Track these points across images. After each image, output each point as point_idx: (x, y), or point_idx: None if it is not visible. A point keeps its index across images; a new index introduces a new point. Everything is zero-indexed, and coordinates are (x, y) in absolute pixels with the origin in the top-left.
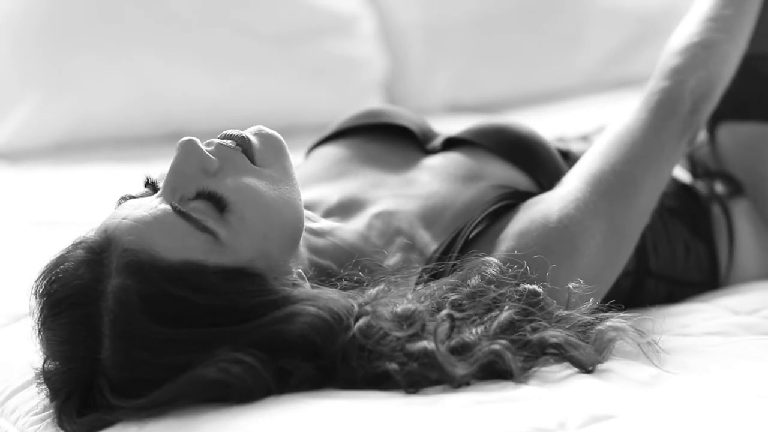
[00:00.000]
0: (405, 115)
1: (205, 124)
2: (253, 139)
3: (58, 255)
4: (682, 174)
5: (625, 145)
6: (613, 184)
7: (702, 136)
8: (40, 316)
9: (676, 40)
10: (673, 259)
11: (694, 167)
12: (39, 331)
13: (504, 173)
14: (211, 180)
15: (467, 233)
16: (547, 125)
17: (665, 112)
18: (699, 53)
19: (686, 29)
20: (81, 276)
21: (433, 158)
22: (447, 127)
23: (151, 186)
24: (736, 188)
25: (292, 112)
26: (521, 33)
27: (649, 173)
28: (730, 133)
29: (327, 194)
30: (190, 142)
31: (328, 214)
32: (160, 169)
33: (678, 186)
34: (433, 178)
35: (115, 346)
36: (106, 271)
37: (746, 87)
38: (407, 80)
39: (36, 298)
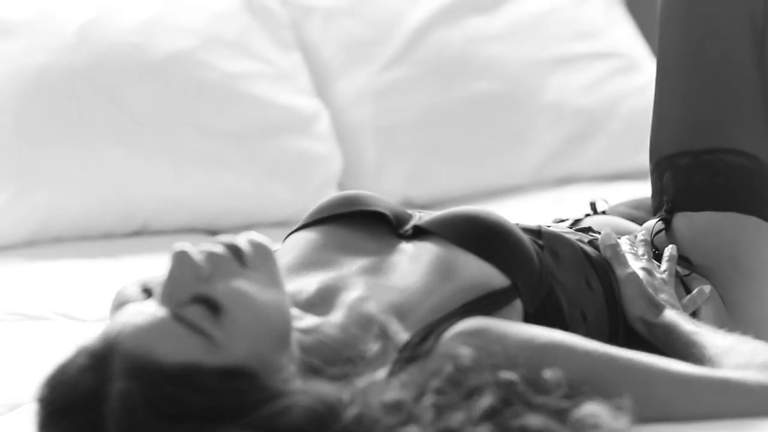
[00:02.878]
0: (379, 200)
1: (168, 221)
2: (243, 245)
3: (61, 363)
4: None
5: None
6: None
7: (653, 224)
8: (44, 422)
9: None
10: (636, 343)
11: (656, 251)
12: None
13: (474, 269)
14: (205, 285)
15: (441, 330)
16: None
17: None
18: None
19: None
20: (84, 382)
21: (406, 245)
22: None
23: (147, 293)
24: (692, 270)
25: (252, 208)
26: (468, 130)
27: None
28: (687, 221)
29: (305, 284)
30: (183, 252)
31: (308, 304)
32: (125, 267)
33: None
34: (407, 269)
35: None
36: (109, 377)
37: (701, 179)
38: (360, 178)
39: (39, 405)
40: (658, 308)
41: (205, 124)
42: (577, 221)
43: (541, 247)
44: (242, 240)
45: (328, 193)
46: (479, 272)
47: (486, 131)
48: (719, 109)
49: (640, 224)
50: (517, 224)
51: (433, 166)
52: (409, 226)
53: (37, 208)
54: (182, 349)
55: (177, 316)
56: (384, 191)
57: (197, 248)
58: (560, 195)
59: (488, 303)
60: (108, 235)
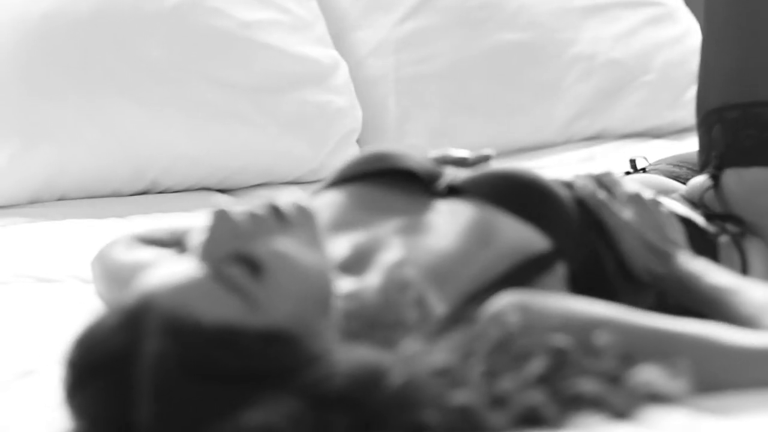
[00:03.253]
0: (409, 156)
1: (179, 178)
2: (286, 208)
3: (94, 320)
4: (699, 218)
5: None
6: None
7: (702, 181)
8: (72, 382)
9: None
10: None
11: (705, 210)
12: (70, 397)
13: (513, 232)
14: (246, 244)
15: (481, 303)
16: None
17: None
18: None
19: None
20: (115, 341)
21: (441, 204)
22: None
23: (184, 249)
24: (744, 229)
25: (267, 164)
26: (495, 82)
27: None
28: (737, 178)
29: (339, 247)
30: (223, 210)
31: (344, 267)
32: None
33: (696, 229)
34: (443, 231)
35: (155, 407)
36: (143, 335)
37: (750, 133)
38: (381, 133)
39: (70, 364)
40: (666, 256)
41: (218, 75)
42: None
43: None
44: (284, 201)
45: (347, 150)
46: (518, 235)
47: (514, 84)
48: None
49: (683, 182)
50: (555, 180)
51: (458, 121)
52: (442, 184)
53: (42, 164)
54: (221, 310)
55: (217, 275)
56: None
57: (238, 208)
58: (591, 152)
59: (529, 270)
60: (116, 194)
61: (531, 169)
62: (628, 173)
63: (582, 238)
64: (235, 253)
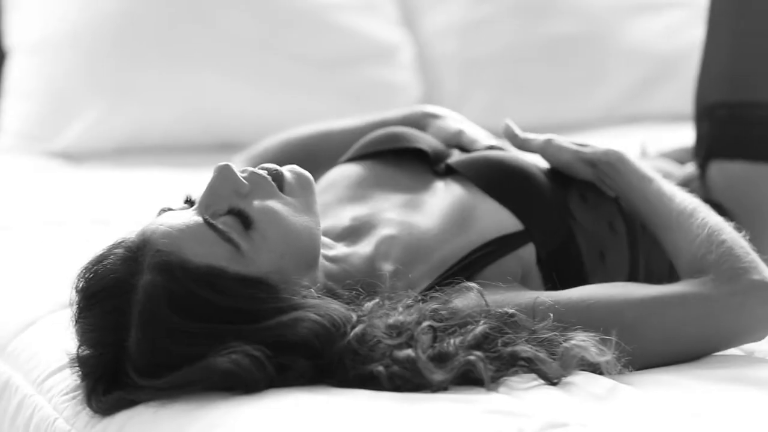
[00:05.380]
0: (421, 137)
1: (251, 138)
2: (286, 173)
3: (99, 252)
4: None
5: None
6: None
7: (692, 170)
8: (77, 306)
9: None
10: (659, 274)
11: None
12: (75, 320)
13: (491, 216)
14: (242, 200)
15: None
16: None
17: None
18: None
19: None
20: (117, 271)
21: (439, 183)
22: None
23: (189, 203)
24: (726, 218)
25: None
26: (548, 67)
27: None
28: (721, 170)
29: (341, 218)
30: (226, 167)
31: (341, 236)
32: (205, 178)
33: None
34: (432, 210)
35: (141, 333)
36: (140, 268)
37: (735, 129)
38: (440, 106)
39: (75, 290)
40: (588, 145)
41: (292, 50)
42: None
43: (568, 192)
44: (286, 168)
45: None
46: (494, 219)
47: (564, 69)
48: (760, 64)
49: None
50: (548, 170)
51: (511, 99)
52: (443, 165)
53: (129, 120)
54: (209, 254)
55: (210, 223)
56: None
57: (241, 168)
58: (630, 132)
59: (493, 249)
60: (193, 147)
61: (518, 157)
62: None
63: (559, 224)
64: (230, 206)
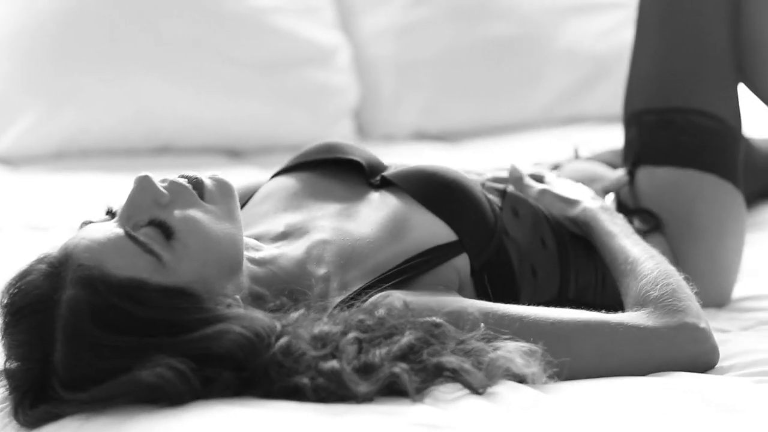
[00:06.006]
0: (356, 149)
1: (189, 141)
2: (206, 180)
3: (23, 268)
4: None
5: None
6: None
7: (622, 176)
8: (4, 321)
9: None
10: (588, 286)
11: (619, 205)
12: (2, 335)
13: (425, 227)
14: (162, 210)
15: (375, 292)
16: (504, 155)
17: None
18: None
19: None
20: (40, 287)
21: (374, 194)
22: (413, 152)
23: (111, 215)
24: (653, 224)
25: (270, 132)
26: (484, 69)
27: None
28: (648, 175)
29: (275, 224)
30: (146, 177)
31: (273, 240)
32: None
33: None
34: (367, 219)
35: (65, 348)
36: (63, 283)
37: (663, 136)
38: (377, 109)
39: (0, 306)
40: (573, 202)
41: (231, 53)
42: (557, 166)
43: (501, 207)
44: (206, 175)
45: (342, 122)
46: (428, 229)
47: (500, 71)
48: (688, 70)
49: None
50: (484, 183)
51: (447, 101)
52: (377, 177)
53: (66, 124)
54: (131, 266)
55: (130, 236)
56: (399, 123)
57: (161, 178)
58: (568, 133)
59: (428, 258)
60: (131, 151)
61: (453, 169)
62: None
63: (491, 236)
64: (150, 217)
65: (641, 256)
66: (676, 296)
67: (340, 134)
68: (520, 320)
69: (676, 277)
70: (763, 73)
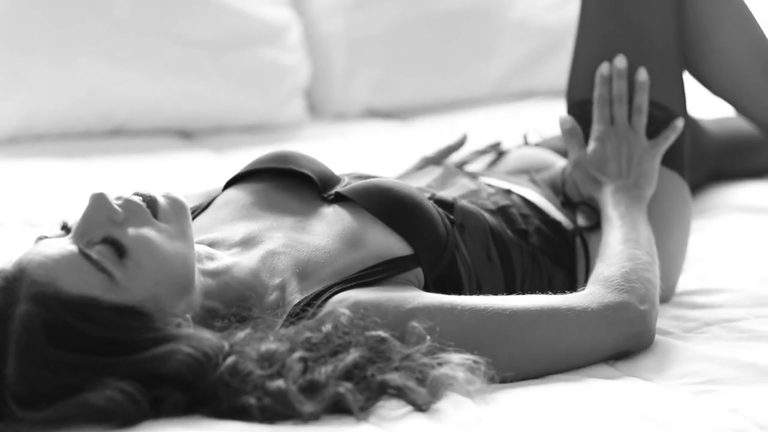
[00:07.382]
0: (310, 162)
1: (142, 123)
2: (160, 199)
3: None
4: (551, 209)
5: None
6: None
7: (564, 168)
8: None
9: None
10: (535, 289)
11: (564, 198)
12: None
13: (381, 240)
14: (116, 228)
15: (332, 293)
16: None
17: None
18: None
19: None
20: None
21: (327, 209)
22: (365, 131)
23: (66, 230)
24: (596, 221)
25: (222, 113)
26: (436, 43)
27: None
28: None
29: (230, 233)
30: (101, 195)
31: (230, 248)
32: (97, 168)
33: (548, 221)
34: (322, 232)
35: (17, 363)
36: (16, 298)
37: None
38: (329, 86)
39: None
40: (598, 183)
41: (181, 33)
42: (501, 154)
43: (452, 221)
44: (160, 194)
45: (294, 101)
46: (384, 242)
47: (452, 46)
48: (632, 59)
49: None
50: (433, 196)
51: (399, 77)
52: (332, 192)
53: (18, 108)
54: (84, 283)
55: (84, 253)
56: (350, 100)
57: (116, 195)
58: (520, 110)
59: (385, 269)
60: (84, 134)
61: (407, 185)
62: (525, 144)
63: (444, 250)
64: (104, 235)
65: (614, 241)
66: (626, 277)
67: (292, 114)
68: (475, 314)
69: (637, 261)
70: (708, 62)
